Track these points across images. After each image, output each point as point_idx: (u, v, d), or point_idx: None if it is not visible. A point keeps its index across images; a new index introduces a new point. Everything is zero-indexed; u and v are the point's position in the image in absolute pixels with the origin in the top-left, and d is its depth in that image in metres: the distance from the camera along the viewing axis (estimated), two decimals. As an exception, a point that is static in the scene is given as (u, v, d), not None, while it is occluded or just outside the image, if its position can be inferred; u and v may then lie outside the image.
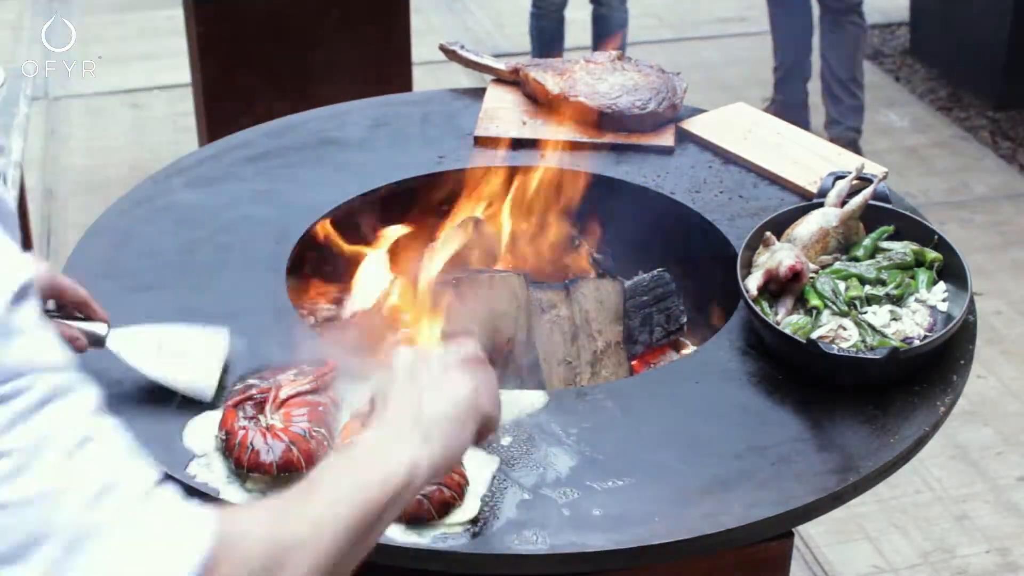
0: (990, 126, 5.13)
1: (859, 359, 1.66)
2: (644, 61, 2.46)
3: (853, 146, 4.62)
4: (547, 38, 4.83)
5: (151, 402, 1.63)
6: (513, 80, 2.50)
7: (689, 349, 2.06)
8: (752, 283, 1.80)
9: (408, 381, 1.21)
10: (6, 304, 0.90)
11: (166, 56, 5.57)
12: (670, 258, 2.15)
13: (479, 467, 1.53)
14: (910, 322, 1.77)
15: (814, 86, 4.92)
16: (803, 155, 2.27)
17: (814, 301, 1.78)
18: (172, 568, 0.91)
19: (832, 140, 4.59)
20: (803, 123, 4.87)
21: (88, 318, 1.61)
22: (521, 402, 1.66)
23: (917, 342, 1.72)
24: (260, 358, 1.72)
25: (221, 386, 1.65)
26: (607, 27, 4.79)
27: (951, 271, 1.86)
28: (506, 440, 1.59)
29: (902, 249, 1.89)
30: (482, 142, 2.32)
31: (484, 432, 1.26)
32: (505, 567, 1.45)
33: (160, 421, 1.61)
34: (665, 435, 1.63)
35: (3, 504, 0.87)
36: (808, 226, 1.91)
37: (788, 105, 4.88)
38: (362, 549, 1.08)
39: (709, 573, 1.71)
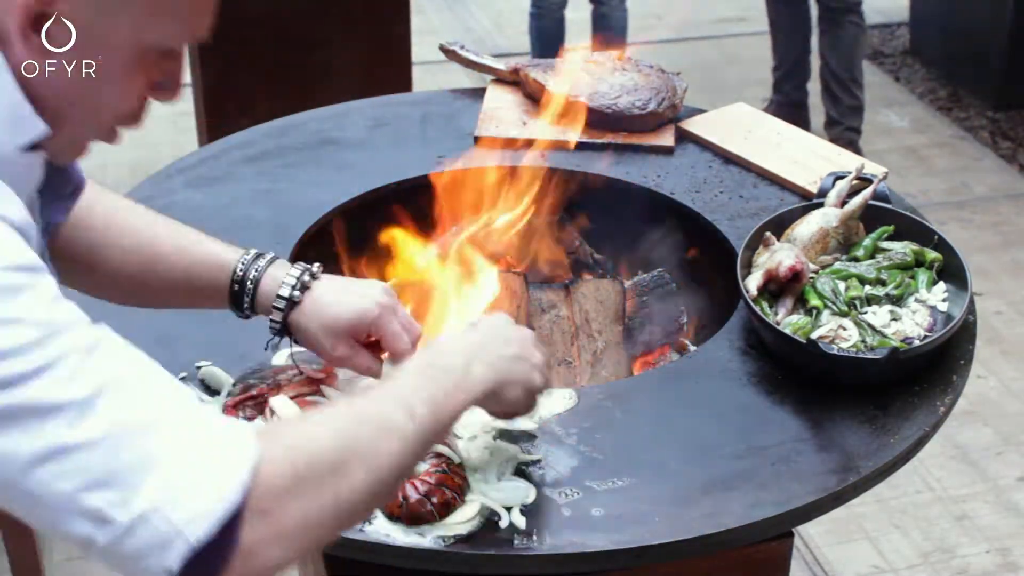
0: (990, 126, 5.13)
1: (859, 359, 1.66)
2: (644, 61, 2.46)
3: (853, 146, 4.62)
4: (547, 38, 4.83)
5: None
6: (513, 80, 2.50)
7: (689, 349, 2.06)
8: (752, 283, 1.80)
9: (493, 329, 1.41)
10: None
11: (166, 56, 5.57)
12: (670, 258, 2.15)
13: (484, 470, 1.53)
14: (910, 322, 1.77)
15: (814, 86, 4.92)
16: (803, 155, 2.27)
17: (814, 301, 1.78)
18: (232, 464, 1.03)
19: (832, 140, 4.60)
20: (803, 123, 4.87)
21: None
22: (552, 402, 1.66)
23: (917, 342, 1.72)
24: (260, 358, 1.72)
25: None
26: (607, 27, 4.79)
27: (951, 271, 1.86)
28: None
29: (902, 249, 1.89)
30: (482, 142, 2.32)
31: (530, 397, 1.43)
32: (505, 567, 1.45)
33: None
34: (665, 435, 1.63)
35: (74, 445, 0.98)
36: (808, 226, 1.91)
37: (788, 105, 4.88)
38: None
39: (709, 573, 1.71)
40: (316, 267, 1.56)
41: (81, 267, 1.51)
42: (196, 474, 1.01)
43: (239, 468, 1.03)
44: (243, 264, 1.55)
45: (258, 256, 1.56)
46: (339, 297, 1.54)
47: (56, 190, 1.29)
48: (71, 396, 0.99)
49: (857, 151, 4.61)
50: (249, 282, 1.54)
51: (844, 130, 4.69)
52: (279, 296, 1.52)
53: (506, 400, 1.39)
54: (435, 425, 1.23)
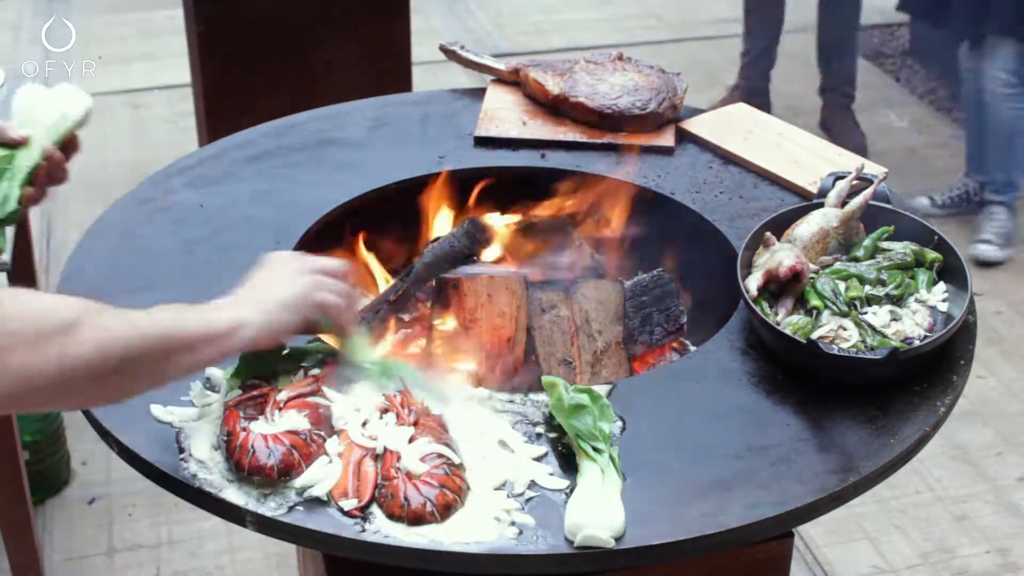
0: (990, 126, 5.13)
1: (859, 359, 1.66)
2: (644, 61, 2.46)
3: (847, 111, 4.85)
4: None
5: (152, 401, 1.63)
6: (513, 80, 2.50)
7: (689, 349, 2.06)
8: (752, 283, 1.80)
9: (266, 271, 1.59)
10: None
11: (166, 56, 5.58)
12: (670, 258, 2.15)
13: (487, 472, 1.54)
14: (910, 322, 1.77)
15: (778, 72, 5.04)
16: (803, 155, 2.27)
17: (814, 301, 1.78)
18: None
19: (825, 106, 4.89)
20: (765, 108, 4.97)
21: None
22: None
23: (917, 342, 1.72)
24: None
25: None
26: None
27: (951, 271, 1.86)
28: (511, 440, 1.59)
29: (902, 249, 1.89)
30: (482, 142, 2.32)
31: (313, 328, 1.59)
32: (505, 567, 1.46)
33: (160, 420, 1.61)
34: (665, 435, 1.63)
35: None
36: (808, 226, 1.91)
37: (752, 91, 4.99)
38: (157, 372, 1.38)
39: (709, 573, 1.71)
40: None
41: None
42: None
43: None
44: None
45: None
46: None
47: None
48: None
49: (853, 118, 4.78)
50: None
51: (838, 96, 4.89)
52: None
53: (289, 326, 1.53)
54: (167, 328, 1.37)
